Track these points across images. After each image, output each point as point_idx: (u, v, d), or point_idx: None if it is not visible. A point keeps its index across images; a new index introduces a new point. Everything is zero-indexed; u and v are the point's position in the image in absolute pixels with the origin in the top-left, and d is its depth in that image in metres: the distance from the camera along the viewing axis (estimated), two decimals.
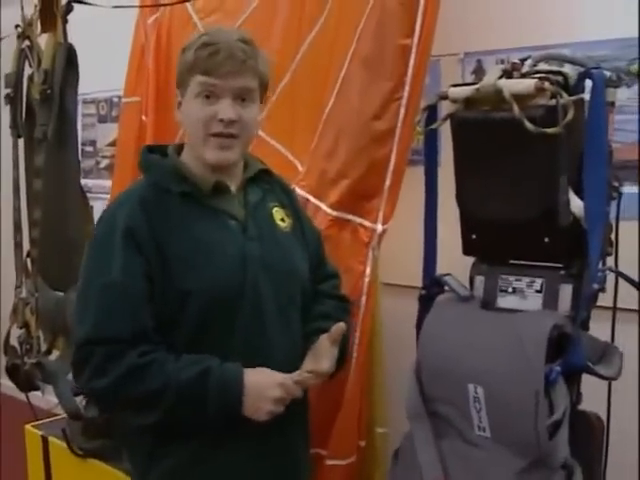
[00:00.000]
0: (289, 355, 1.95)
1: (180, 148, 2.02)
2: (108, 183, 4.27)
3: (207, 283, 1.85)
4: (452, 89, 1.92)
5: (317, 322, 2.05)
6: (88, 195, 4.65)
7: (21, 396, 3.21)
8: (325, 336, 1.95)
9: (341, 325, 1.93)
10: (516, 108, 1.74)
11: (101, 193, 4.65)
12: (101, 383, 1.80)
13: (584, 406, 1.92)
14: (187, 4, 3.37)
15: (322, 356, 1.94)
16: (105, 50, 4.32)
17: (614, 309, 2.02)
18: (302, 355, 1.98)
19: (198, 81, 1.87)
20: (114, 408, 1.94)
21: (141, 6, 3.63)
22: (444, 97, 1.94)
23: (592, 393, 1.93)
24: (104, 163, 4.91)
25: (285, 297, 1.99)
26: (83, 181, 4.93)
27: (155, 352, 1.81)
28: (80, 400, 2.90)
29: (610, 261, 1.97)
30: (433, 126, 1.96)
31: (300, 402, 1.95)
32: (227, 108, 1.87)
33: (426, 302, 2.06)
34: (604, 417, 1.98)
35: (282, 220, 2.05)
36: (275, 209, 2.05)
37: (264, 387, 1.82)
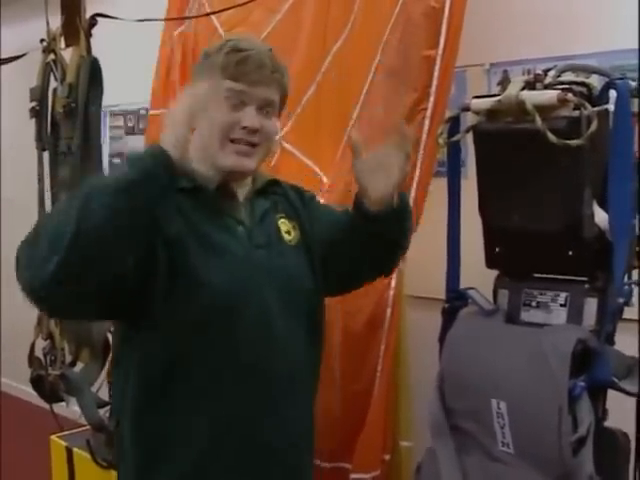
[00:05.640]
0: (293, 364, 1.86)
1: None
2: None
3: (216, 279, 1.76)
4: (474, 101, 1.90)
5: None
6: None
7: (47, 406, 3.22)
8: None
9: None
10: (539, 120, 1.72)
11: None
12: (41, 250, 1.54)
13: (613, 423, 1.89)
14: (212, 16, 3.37)
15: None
16: (133, 62, 4.35)
17: None
18: (305, 372, 1.91)
19: (226, 86, 1.80)
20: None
21: (166, 19, 3.64)
22: (466, 109, 1.92)
23: (622, 410, 1.90)
24: None
25: (289, 307, 1.90)
26: None
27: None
28: (104, 412, 2.90)
29: (636, 275, 1.94)
30: (455, 138, 1.94)
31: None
32: (253, 117, 1.82)
33: (449, 316, 2.04)
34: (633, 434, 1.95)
35: (288, 233, 1.97)
36: (281, 221, 1.97)
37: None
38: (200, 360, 1.76)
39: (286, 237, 1.95)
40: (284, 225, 1.97)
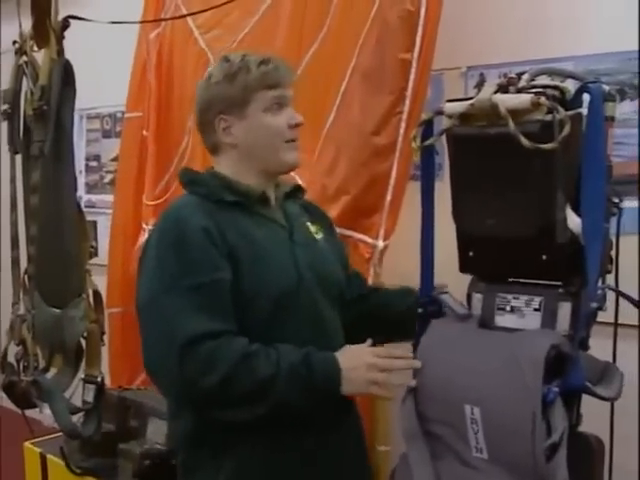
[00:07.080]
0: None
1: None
2: (112, 198, 4.26)
3: (270, 287, 1.95)
4: (447, 104, 1.88)
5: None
6: (92, 210, 4.68)
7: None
8: None
9: None
10: (511, 123, 1.70)
11: (105, 208, 4.65)
12: (211, 379, 1.79)
13: (587, 428, 1.88)
14: (188, 19, 3.36)
15: None
16: (109, 65, 4.33)
17: (615, 326, 1.98)
18: None
19: (269, 95, 2.00)
20: (225, 404, 1.86)
21: (141, 22, 3.62)
22: (440, 112, 1.90)
23: (596, 414, 1.88)
24: (108, 178, 4.91)
25: (330, 299, 2.10)
26: (87, 196, 4.98)
27: (254, 342, 1.87)
28: (77, 418, 2.87)
29: (611, 279, 1.93)
30: (428, 142, 1.92)
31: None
32: (295, 114, 2.05)
33: (423, 320, 2.02)
34: (607, 439, 1.93)
35: (316, 233, 2.17)
36: (308, 223, 2.18)
37: (355, 356, 1.92)
38: None
39: (317, 236, 2.17)
40: (312, 226, 2.19)
